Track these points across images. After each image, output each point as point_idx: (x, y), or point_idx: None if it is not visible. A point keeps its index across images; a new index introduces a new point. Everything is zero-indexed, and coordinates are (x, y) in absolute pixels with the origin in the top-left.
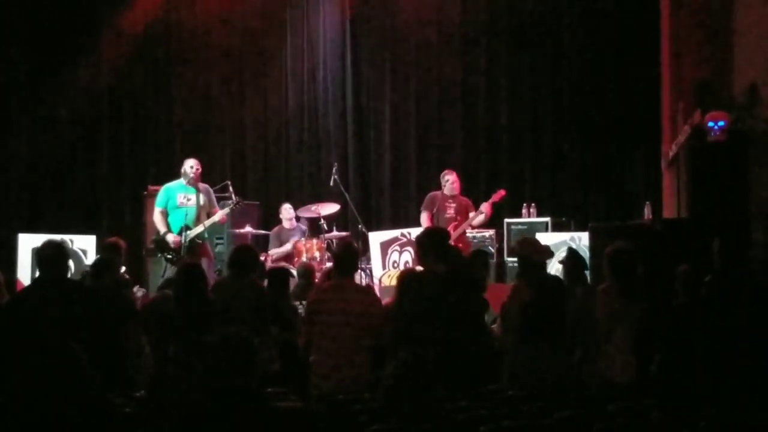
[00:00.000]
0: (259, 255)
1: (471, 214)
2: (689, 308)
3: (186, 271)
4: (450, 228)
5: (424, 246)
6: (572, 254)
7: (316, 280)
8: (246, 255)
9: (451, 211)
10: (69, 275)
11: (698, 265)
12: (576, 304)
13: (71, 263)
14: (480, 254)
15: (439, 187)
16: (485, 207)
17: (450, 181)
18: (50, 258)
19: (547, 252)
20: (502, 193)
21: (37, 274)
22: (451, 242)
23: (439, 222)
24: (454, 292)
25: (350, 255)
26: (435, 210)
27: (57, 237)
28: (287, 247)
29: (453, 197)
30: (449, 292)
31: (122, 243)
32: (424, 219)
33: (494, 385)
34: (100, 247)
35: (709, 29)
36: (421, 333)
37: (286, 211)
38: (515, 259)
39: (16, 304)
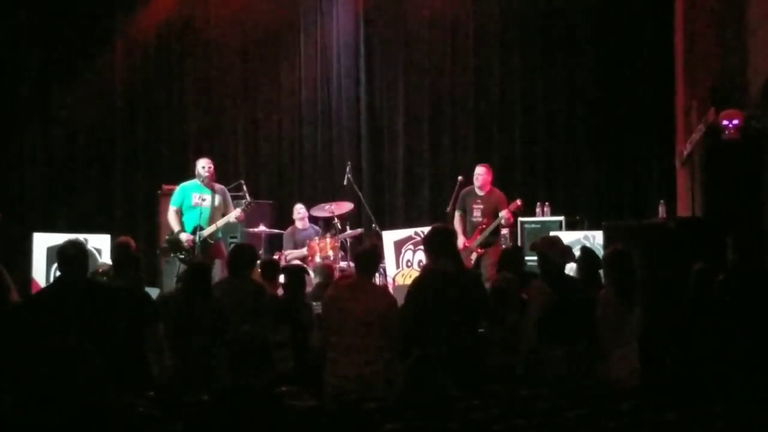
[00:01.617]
0: (256, 253)
1: (501, 214)
2: (702, 306)
3: (190, 272)
4: (476, 232)
5: (429, 245)
6: (587, 253)
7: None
8: (241, 255)
9: (477, 213)
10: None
11: (712, 263)
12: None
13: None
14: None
15: (455, 181)
16: (503, 215)
17: (478, 174)
18: (71, 258)
19: (570, 254)
20: (518, 203)
21: (58, 273)
22: (475, 249)
23: (467, 225)
24: (457, 290)
25: (371, 255)
26: (465, 209)
27: (77, 236)
28: (303, 251)
29: (481, 196)
30: (453, 290)
31: (133, 242)
32: (456, 221)
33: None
34: (113, 247)
35: (723, 27)
36: (427, 332)
37: (297, 211)
38: (531, 257)
39: (35, 304)
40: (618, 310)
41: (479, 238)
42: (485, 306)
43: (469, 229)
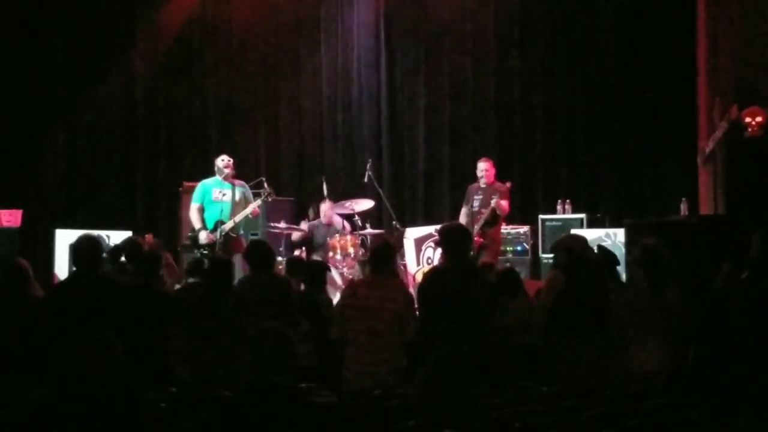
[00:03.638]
0: (271, 247)
1: (492, 202)
2: (727, 304)
3: (212, 267)
4: (474, 221)
5: (441, 243)
6: (602, 251)
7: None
8: (260, 249)
9: (476, 204)
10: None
11: (736, 261)
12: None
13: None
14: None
15: (475, 178)
16: (495, 203)
17: (480, 169)
18: (86, 253)
19: (593, 253)
20: (507, 185)
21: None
22: (476, 238)
23: (468, 217)
24: (467, 286)
25: (386, 251)
26: (468, 203)
27: (93, 232)
28: (296, 235)
29: (483, 188)
30: (463, 286)
31: (143, 240)
32: (461, 215)
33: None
34: (127, 244)
35: (745, 24)
36: (444, 329)
37: (326, 209)
38: (550, 255)
39: (52, 298)
40: (649, 305)
41: (476, 227)
42: (491, 298)
43: (469, 221)
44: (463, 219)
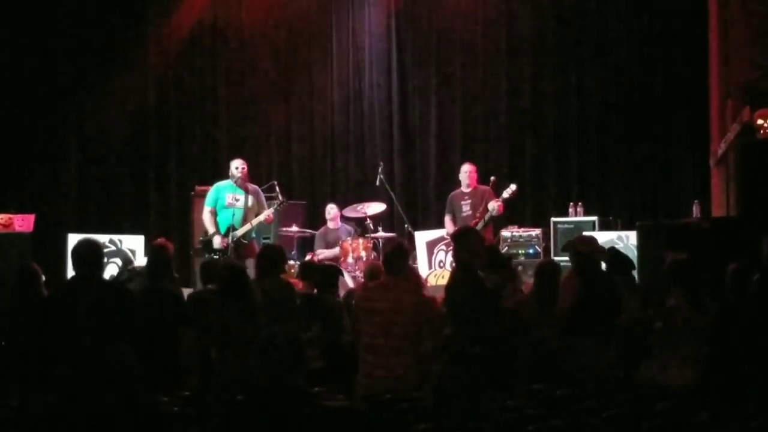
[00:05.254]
0: (285, 253)
1: (489, 206)
2: (738, 306)
3: (226, 273)
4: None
5: (453, 251)
6: (616, 254)
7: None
8: (270, 255)
9: (466, 208)
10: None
11: (748, 263)
12: (625, 305)
13: (119, 261)
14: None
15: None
16: (495, 204)
17: (464, 172)
18: (85, 256)
19: (605, 253)
20: (512, 188)
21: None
22: None
23: (459, 222)
24: (464, 291)
25: (399, 254)
26: (453, 211)
27: (93, 236)
28: (335, 251)
29: (468, 192)
30: (460, 291)
31: (170, 244)
32: (447, 223)
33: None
34: (150, 249)
35: (757, 26)
36: (460, 332)
37: (328, 211)
38: (564, 258)
39: (49, 302)
40: (689, 319)
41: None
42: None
43: (462, 225)
44: (450, 228)
